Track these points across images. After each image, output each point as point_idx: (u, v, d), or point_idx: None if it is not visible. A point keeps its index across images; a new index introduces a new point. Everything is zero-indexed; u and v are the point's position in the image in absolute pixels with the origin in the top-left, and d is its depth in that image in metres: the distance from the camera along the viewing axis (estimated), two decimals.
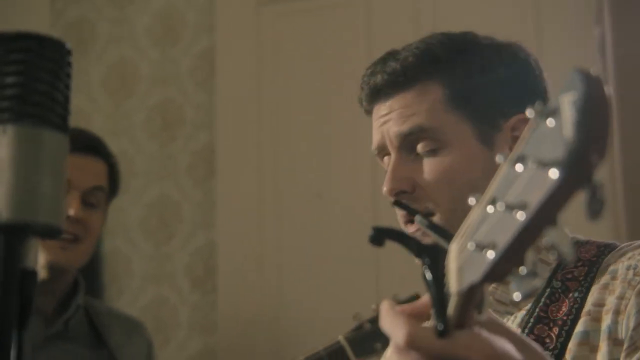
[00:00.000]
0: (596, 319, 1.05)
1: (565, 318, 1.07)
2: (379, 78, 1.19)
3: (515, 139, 1.17)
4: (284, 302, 2.73)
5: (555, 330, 1.07)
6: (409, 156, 1.17)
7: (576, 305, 1.07)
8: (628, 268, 1.07)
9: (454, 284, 0.65)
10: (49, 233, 0.69)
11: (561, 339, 1.06)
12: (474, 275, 0.59)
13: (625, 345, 1.01)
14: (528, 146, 0.57)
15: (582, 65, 0.55)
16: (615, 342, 1.02)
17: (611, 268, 1.09)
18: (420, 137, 1.15)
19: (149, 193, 3.00)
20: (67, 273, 1.83)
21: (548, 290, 1.10)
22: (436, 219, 1.14)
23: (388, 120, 1.18)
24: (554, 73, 2.47)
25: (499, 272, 0.57)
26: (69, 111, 0.72)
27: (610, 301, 1.05)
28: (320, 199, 2.72)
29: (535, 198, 0.53)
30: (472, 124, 1.16)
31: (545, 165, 0.53)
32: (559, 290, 1.10)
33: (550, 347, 1.06)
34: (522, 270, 0.56)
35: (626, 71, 2.48)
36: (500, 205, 0.57)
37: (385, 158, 1.21)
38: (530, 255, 0.56)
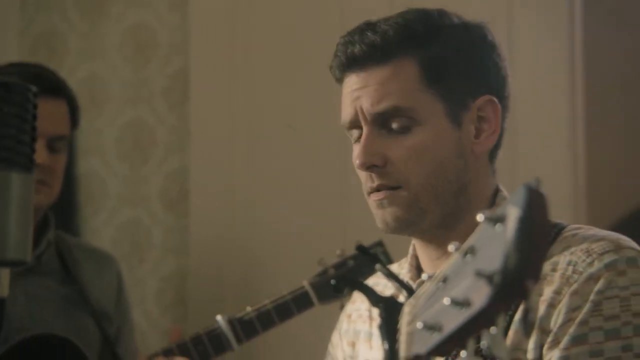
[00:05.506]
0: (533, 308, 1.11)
1: None
2: (357, 48, 1.20)
3: (480, 119, 1.23)
4: (254, 226, 2.82)
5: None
6: (381, 131, 1.20)
7: None
8: (569, 263, 1.12)
9: (403, 348, 0.74)
10: (17, 265, 0.76)
11: (504, 325, 1.13)
12: (421, 348, 0.69)
13: (549, 339, 1.09)
14: (478, 242, 0.66)
15: (531, 182, 0.63)
16: (543, 331, 1.10)
17: (553, 259, 1.13)
18: (394, 115, 1.19)
19: (123, 116, 3.04)
20: (37, 212, 1.89)
21: None
22: (403, 193, 1.19)
23: (361, 95, 1.20)
24: (524, 58, 2.50)
25: (443, 351, 0.67)
26: (34, 149, 0.77)
27: (547, 293, 1.11)
28: (291, 130, 2.78)
29: (477, 301, 0.62)
30: (443, 102, 1.21)
31: (487, 274, 0.62)
32: None
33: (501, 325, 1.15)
34: (463, 353, 0.65)
35: (595, 58, 2.53)
36: (449, 294, 0.66)
37: (354, 131, 1.24)
38: (471, 343, 0.66)
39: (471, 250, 0.66)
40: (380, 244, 1.90)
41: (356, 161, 1.20)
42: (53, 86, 1.93)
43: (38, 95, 1.79)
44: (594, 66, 2.54)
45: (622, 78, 2.68)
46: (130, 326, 2.08)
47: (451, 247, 0.70)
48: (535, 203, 0.62)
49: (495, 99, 1.24)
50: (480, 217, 0.67)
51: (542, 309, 1.11)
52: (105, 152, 3.04)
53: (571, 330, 1.08)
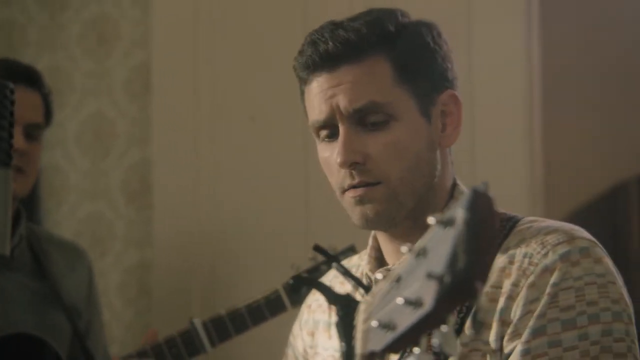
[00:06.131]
0: (493, 299, 1.15)
1: None
2: (330, 46, 1.20)
3: (443, 114, 1.26)
4: (218, 218, 2.84)
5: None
6: (357, 128, 1.21)
7: None
8: (525, 256, 1.15)
9: (359, 344, 0.77)
10: None
11: (461, 315, 1.15)
12: (376, 346, 0.72)
13: (509, 330, 1.13)
14: (429, 244, 0.69)
15: (479, 185, 0.66)
16: (504, 323, 1.14)
17: (510, 252, 1.17)
18: (372, 111, 1.21)
19: (84, 108, 3.03)
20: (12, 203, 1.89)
21: None
22: (382, 189, 1.21)
23: (337, 93, 1.20)
24: (483, 53, 2.54)
25: (397, 349, 0.70)
26: (11, 145, 0.78)
27: (506, 285, 1.15)
28: (253, 122, 2.80)
29: (428, 301, 0.65)
30: (415, 98, 1.23)
31: (437, 275, 0.65)
32: None
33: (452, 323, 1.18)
34: (416, 350, 0.69)
35: (551, 53, 2.57)
36: (402, 294, 0.69)
37: (323, 131, 1.24)
38: (424, 340, 0.69)
39: (423, 252, 0.69)
40: (352, 248, 1.91)
41: (337, 160, 1.21)
42: (30, 75, 1.94)
43: (15, 86, 1.82)
44: (551, 60, 2.59)
45: (578, 73, 2.73)
46: (100, 320, 2.08)
47: (404, 248, 0.73)
48: (482, 206, 0.65)
49: (457, 94, 1.28)
50: (431, 220, 0.69)
51: (501, 301, 1.14)
52: (66, 145, 3.03)
53: (530, 323, 1.11)
